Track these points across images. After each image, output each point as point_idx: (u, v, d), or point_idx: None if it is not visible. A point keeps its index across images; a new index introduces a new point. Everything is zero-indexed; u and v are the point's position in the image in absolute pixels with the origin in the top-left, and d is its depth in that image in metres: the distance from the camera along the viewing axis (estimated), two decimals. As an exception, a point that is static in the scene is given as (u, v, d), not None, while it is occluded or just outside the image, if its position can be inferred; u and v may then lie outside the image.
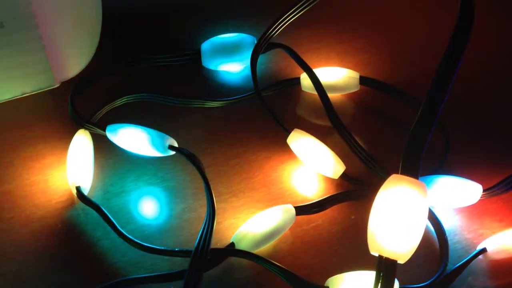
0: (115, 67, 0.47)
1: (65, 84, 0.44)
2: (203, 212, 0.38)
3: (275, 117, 0.42)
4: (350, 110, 0.46)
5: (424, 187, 0.30)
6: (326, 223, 0.38)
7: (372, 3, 0.57)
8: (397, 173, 0.30)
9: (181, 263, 0.36)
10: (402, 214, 0.29)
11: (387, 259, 0.29)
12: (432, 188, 0.38)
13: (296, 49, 0.46)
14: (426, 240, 0.37)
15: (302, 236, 0.38)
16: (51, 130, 0.43)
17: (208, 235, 0.33)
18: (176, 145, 0.39)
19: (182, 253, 0.35)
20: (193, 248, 0.33)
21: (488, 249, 0.36)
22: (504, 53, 0.53)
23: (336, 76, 0.46)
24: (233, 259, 0.36)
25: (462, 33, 0.31)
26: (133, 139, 0.38)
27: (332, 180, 0.41)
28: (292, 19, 0.45)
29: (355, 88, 0.46)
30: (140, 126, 0.39)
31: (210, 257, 0.34)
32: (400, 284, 0.33)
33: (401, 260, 0.29)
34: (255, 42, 0.47)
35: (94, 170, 0.40)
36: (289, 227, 0.37)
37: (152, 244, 0.35)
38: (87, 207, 0.37)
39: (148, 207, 0.39)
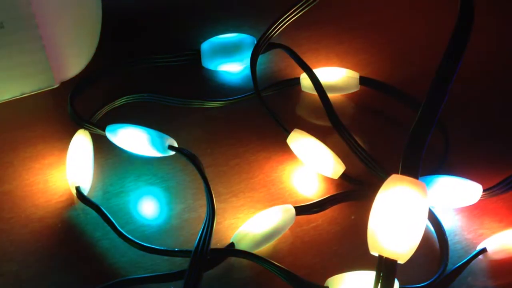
0: (115, 67, 0.47)
1: (65, 84, 0.44)
2: (203, 212, 0.38)
3: (275, 117, 0.42)
4: (350, 110, 0.46)
5: (424, 187, 0.30)
6: (326, 223, 0.38)
7: (372, 3, 0.57)
8: (397, 173, 0.30)
9: (181, 263, 0.36)
10: (402, 214, 0.29)
11: (387, 259, 0.29)
12: (432, 188, 0.38)
13: (296, 50, 0.46)
14: (426, 240, 0.37)
15: (302, 236, 0.38)
16: (51, 130, 0.43)
17: (208, 235, 0.33)
18: (176, 145, 0.39)
19: (182, 253, 0.35)
20: (193, 248, 0.33)
21: (488, 249, 0.36)
22: (504, 53, 0.53)
23: (336, 76, 0.46)
24: (233, 259, 0.36)
25: (462, 33, 0.31)
26: (133, 139, 0.38)
27: (332, 180, 0.41)
28: (292, 19, 0.45)
29: (355, 88, 0.46)
30: (139, 126, 0.39)
31: (210, 257, 0.34)
32: (400, 284, 0.33)
33: (401, 260, 0.29)
34: (255, 42, 0.47)
35: (94, 170, 0.40)
36: (289, 227, 0.37)
37: (152, 244, 0.35)
38: (87, 207, 0.37)
39: (148, 207, 0.39)
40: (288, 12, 0.44)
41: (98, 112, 0.43)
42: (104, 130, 0.39)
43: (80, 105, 0.42)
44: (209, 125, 0.44)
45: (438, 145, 0.43)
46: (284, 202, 0.38)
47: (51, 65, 0.42)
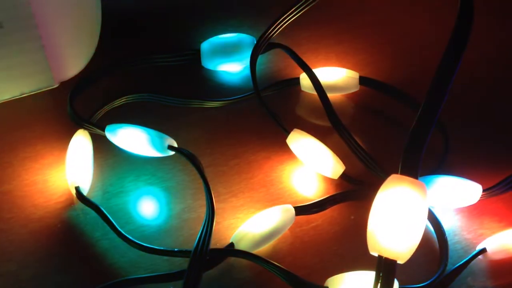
0: (114, 67, 0.47)
1: (64, 84, 0.44)
2: (202, 212, 0.38)
3: (275, 117, 0.42)
4: (350, 110, 0.46)
5: (424, 187, 0.29)
6: (325, 223, 0.38)
7: (372, 3, 0.57)
8: (397, 173, 0.30)
9: (180, 263, 0.36)
10: (402, 214, 0.29)
11: (386, 259, 0.29)
12: (431, 188, 0.38)
13: (295, 49, 0.46)
14: (425, 240, 0.37)
15: (302, 236, 0.38)
16: (50, 130, 0.43)
17: (207, 235, 0.33)
18: (175, 145, 0.39)
19: (182, 253, 0.35)
20: (192, 248, 0.32)
21: (487, 249, 0.36)
22: (504, 53, 0.53)
23: (336, 76, 0.46)
24: (232, 259, 0.36)
25: (462, 33, 0.31)
26: (133, 139, 0.38)
27: (332, 180, 0.41)
28: (292, 19, 0.45)
29: (355, 88, 0.46)
30: (139, 126, 0.39)
31: (210, 257, 0.34)
32: (399, 284, 0.33)
33: (401, 260, 0.29)
34: (255, 42, 0.47)
35: (93, 170, 0.40)
36: (288, 227, 0.37)
37: (151, 244, 0.35)
38: (86, 207, 0.37)
39: (148, 207, 0.39)
40: (287, 12, 0.44)
41: (98, 112, 0.43)
42: (103, 130, 0.39)
43: (80, 105, 0.42)
44: (208, 125, 0.44)
45: (438, 145, 0.43)
46: (284, 202, 0.38)
47: (51, 65, 0.42)
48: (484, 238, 0.37)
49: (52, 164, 0.41)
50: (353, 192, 0.40)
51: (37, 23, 0.40)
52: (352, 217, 0.39)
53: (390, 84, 0.46)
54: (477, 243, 0.37)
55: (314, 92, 0.44)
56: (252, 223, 0.36)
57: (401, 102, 0.45)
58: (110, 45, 0.47)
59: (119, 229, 0.35)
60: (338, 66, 0.47)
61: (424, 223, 0.29)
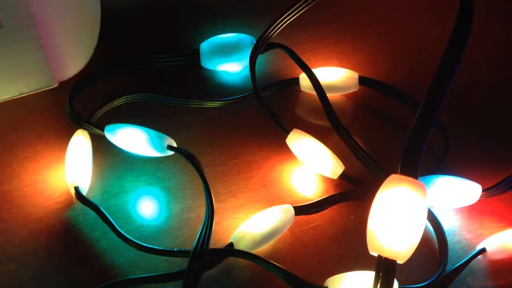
0: (114, 67, 0.47)
1: (64, 84, 0.44)
2: (202, 212, 0.38)
3: (274, 117, 0.42)
4: (349, 110, 0.46)
5: (424, 187, 0.29)
6: (325, 223, 0.38)
7: (371, 3, 0.57)
8: (397, 173, 0.30)
9: (180, 263, 0.35)
10: (402, 214, 0.29)
11: (386, 259, 0.29)
12: (431, 188, 0.38)
13: (295, 49, 0.46)
14: (425, 240, 0.37)
15: (301, 236, 0.38)
16: (50, 130, 0.43)
17: (207, 235, 0.33)
18: (175, 145, 0.39)
19: (181, 253, 0.35)
20: (192, 248, 0.32)
21: (487, 249, 0.36)
22: (504, 53, 0.53)
23: (335, 76, 0.46)
24: (232, 259, 0.36)
25: (462, 33, 0.31)
26: (132, 139, 0.38)
27: (331, 180, 0.41)
28: (291, 19, 0.45)
29: (354, 88, 0.46)
30: (138, 126, 0.39)
31: (209, 257, 0.34)
32: (399, 284, 0.33)
33: (401, 260, 0.29)
34: (254, 42, 0.47)
35: (93, 170, 0.40)
36: (288, 227, 0.37)
37: (150, 244, 0.35)
38: (86, 208, 0.37)
39: (147, 207, 0.39)
40: (287, 12, 0.44)
41: (97, 112, 0.43)
42: (103, 130, 0.39)
43: (79, 105, 0.42)
44: (208, 125, 0.44)
45: (438, 145, 0.43)
46: (283, 202, 0.38)
47: (50, 65, 0.42)
48: (484, 238, 0.37)
49: (52, 164, 0.41)
50: (353, 192, 0.40)
51: (36, 23, 0.40)
52: (352, 217, 0.39)
53: (390, 84, 0.46)
54: (477, 243, 0.37)
55: (314, 92, 0.44)
56: (252, 223, 0.36)
57: (401, 102, 0.45)
58: (109, 45, 0.47)
59: (119, 229, 0.35)
60: (338, 66, 0.47)
61: (423, 223, 0.29)
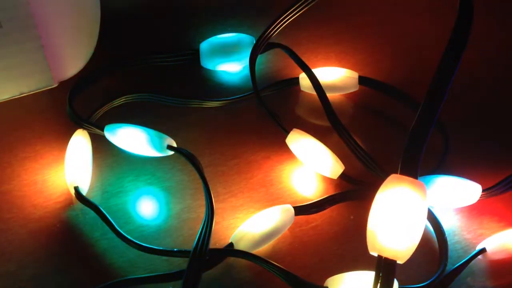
0: (113, 67, 0.47)
1: (63, 84, 0.44)
2: (201, 212, 0.38)
3: (274, 117, 0.42)
4: (349, 110, 0.46)
5: (424, 187, 0.29)
6: (325, 223, 0.38)
7: (371, 3, 0.57)
8: (397, 173, 0.30)
9: (179, 263, 0.35)
10: (401, 214, 0.29)
11: (386, 259, 0.29)
12: (431, 188, 0.38)
13: (295, 49, 0.46)
14: (425, 240, 0.37)
15: (301, 236, 0.38)
16: (49, 130, 0.43)
17: (206, 235, 0.33)
18: (174, 145, 0.39)
19: (181, 253, 0.35)
20: (191, 248, 0.32)
21: (487, 249, 0.36)
22: (504, 53, 0.53)
23: (335, 76, 0.46)
24: (232, 259, 0.36)
25: (462, 33, 0.31)
26: (132, 139, 0.38)
27: (331, 180, 0.40)
28: (291, 19, 0.45)
29: (354, 88, 0.46)
30: (138, 126, 0.39)
31: (209, 257, 0.34)
32: (399, 284, 0.33)
33: (401, 260, 0.29)
34: (254, 42, 0.46)
35: (93, 170, 0.40)
36: (288, 227, 0.37)
37: (150, 245, 0.35)
38: (86, 208, 0.37)
39: (147, 207, 0.39)
40: (287, 12, 0.44)
41: (97, 112, 0.43)
42: (103, 130, 0.39)
43: (79, 105, 0.42)
44: (208, 125, 0.44)
45: (438, 145, 0.43)
46: (283, 202, 0.38)
47: (50, 64, 0.42)
48: (484, 238, 0.37)
49: (51, 164, 0.40)
50: (353, 192, 0.39)
51: (36, 23, 0.40)
52: (352, 217, 0.39)
53: (390, 84, 0.46)
54: (477, 243, 0.37)
55: (314, 92, 0.44)
56: (252, 223, 0.36)
57: (401, 102, 0.45)
58: (109, 45, 0.47)
59: (118, 229, 0.35)
60: (338, 66, 0.47)
61: (423, 223, 0.29)
